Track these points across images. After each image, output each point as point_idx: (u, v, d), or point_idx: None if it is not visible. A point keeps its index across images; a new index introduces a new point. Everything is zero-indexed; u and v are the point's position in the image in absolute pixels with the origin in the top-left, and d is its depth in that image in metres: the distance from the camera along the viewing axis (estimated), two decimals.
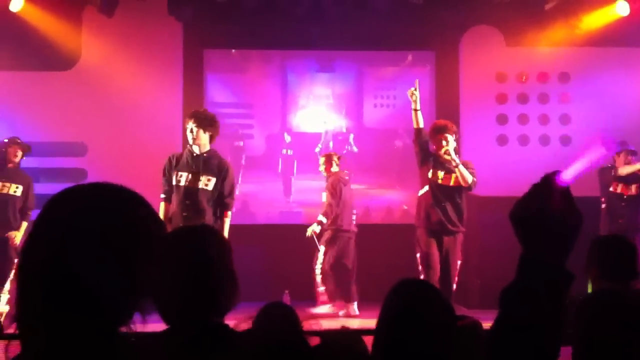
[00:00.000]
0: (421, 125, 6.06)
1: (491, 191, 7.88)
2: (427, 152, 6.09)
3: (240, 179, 8.33)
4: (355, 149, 8.51)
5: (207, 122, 5.43)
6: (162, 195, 5.43)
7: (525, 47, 8.22)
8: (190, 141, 5.41)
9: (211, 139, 5.48)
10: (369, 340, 2.24)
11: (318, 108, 8.69)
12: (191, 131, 5.38)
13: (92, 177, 7.83)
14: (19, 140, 6.82)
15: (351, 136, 8.65)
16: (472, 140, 8.13)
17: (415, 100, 6.01)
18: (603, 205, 6.97)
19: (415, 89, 6.00)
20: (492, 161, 8.03)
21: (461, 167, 5.93)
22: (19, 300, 1.05)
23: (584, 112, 8.09)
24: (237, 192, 5.84)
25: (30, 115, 7.80)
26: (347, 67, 8.77)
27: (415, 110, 6.02)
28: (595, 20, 7.91)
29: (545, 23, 7.95)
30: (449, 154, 5.90)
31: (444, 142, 5.94)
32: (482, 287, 7.73)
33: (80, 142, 7.94)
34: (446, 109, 7.89)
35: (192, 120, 5.41)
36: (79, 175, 7.83)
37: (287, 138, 8.61)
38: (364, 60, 8.71)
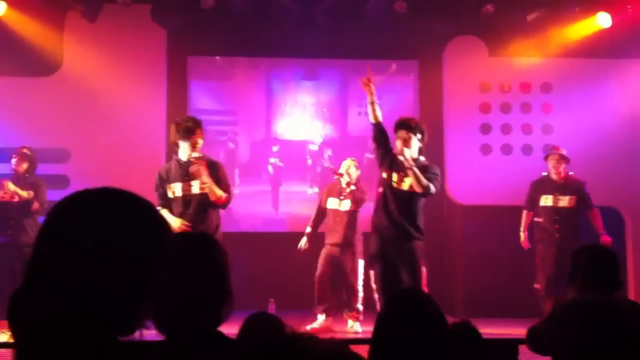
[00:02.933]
0: (380, 119, 5.46)
1: (474, 200, 7.93)
2: (386, 151, 5.50)
3: (238, 180, 8.35)
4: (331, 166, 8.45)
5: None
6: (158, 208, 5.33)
7: (508, 57, 8.29)
8: (198, 150, 5.36)
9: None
10: (357, 349, 2.22)
11: (303, 115, 8.69)
12: (198, 143, 5.37)
13: (75, 184, 7.76)
14: (24, 151, 6.85)
15: (328, 152, 8.59)
16: (456, 150, 8.17)
17: (370, 91, 5.38)
18: (525, 219, 6.79)
19: (370, 76, 5.38)
20: (475, 170, 8.07)
21: (415, 170, 5.25)
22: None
23: (566, 122, 8.17)
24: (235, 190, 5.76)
25: (11, 121, 7.71)
26: (331, 75, 8.80)
27: (372, 103, 5.41)
28: (577, 31, 8.00)
29: (528, 34, 8.02)
30: (402, 154, 5.29)
31: (397, 142, 5.40)
32: (466, 296, 7.76)
33: (63, 148, 7.86)
34: (430, 118, 7.92)
35: (200, 131, 5.39)
36: (61, 181, 7.74)
37: (275, 148, 8.59)
38: (349, 69, 8.73)
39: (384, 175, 5.45)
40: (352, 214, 6.69)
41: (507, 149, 8.30)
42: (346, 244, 6.64)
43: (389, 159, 5.46)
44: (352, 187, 6.73)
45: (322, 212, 6.81)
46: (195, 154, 5.35)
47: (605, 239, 6.49)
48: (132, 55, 7.95)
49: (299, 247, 6.63)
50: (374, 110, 5.41)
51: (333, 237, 6.66)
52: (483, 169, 8.14)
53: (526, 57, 8.25)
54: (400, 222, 5.37)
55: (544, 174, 6.89)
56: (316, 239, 6.76)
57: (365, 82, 5.39)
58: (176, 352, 1.00)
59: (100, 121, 7.79)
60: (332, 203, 6.71)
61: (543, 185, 6.79)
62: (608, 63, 8.23)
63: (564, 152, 6.77)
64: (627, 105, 8.15)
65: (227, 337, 1.02)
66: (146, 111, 7.95)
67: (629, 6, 7.77)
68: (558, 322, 1.73)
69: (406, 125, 5.44)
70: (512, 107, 8.35)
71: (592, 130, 7.91)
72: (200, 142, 5.37)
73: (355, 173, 6.74)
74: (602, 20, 7.78)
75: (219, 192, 5.28)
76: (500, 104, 8.35)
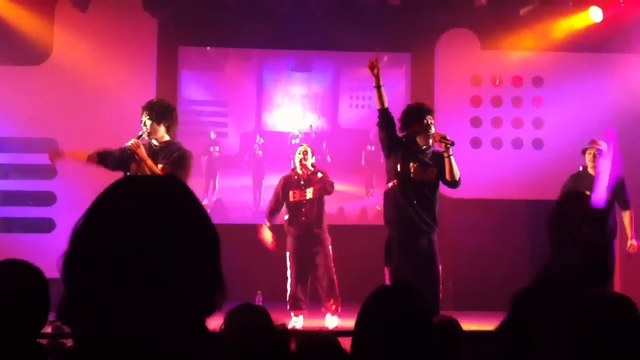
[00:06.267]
0: (386, 105, 5.24)
1: (464, 194, 7.92)
2: (394, 138, 5.28)
3: (217, 185, 8.32)
4: (328, 158, 8.41)
5: (161, 113, 5.08)
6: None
7: (500, 50, 8.29)
8: (145, 135, 5.05)
9: (168, 130, 5.14)
10: (344, 341, 2.21)
11: (294, 107, 8.65)
12: (144, 124, 5.06)
13: (63, 174, 7.70)
14: None
15: (323, 144, 8.57)
16: None
17: (377, 74, 5.17)
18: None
19: (377, 60, 5.19)
20: (465, 164, 8.03)
21: (453, 157, 5.22)
22: (67, 291, 1.01)
23: (556, 116, 8.18)
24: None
25: None
26: (323, 67, 8.76)
27: (378, 87, 5.19)
28: (569, 25, 8.01)
29: (520, 27, 8.03)
30: (446, 139, 5.17)
31: (432, 127, 5.25)
32: (456, 290, 7.77)
33: (51, 138, 7.78)
34: None
35: (145, 113, 5.07)
36: (49, 171, 7.69)
37: (259, 139, 8.54)
38: (340, 61, 8.71)
39: (398, 167, 5.22)
40: (317, 202, 6.57)
41: (497, 143, 8.31)
42: (312, 234, 6.53)
43: (398, 147, 5.27)
44: (320, 174, 6.62)
45: (279, 205, 6.64)
46: (165, 139, 5.13)
47: (633, 247, 6.37)
48: (123, 45, 7.88)
49: (266, 241, 6.50)
50: (380, 95, 5.21)
51: (297, 229, 6.54)
52: (473, 163, 8.13)
53: (518, 50, 8.26)
54: (422, 215, 5.20)
55: (582, 167, 6.51)
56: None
57: (371, 65, 5.20)
58: (156, 348, 0.98)
59: (89, 111, 7.72)
60: (292, 195, 6.55)
61: (582, 179, 6.35)
62: (600, 57, 8.24)
63: (603, 145, 6.41)
64: (619, 99, 8.16)
65: (209, 330, 1.00)
66: (136, 101, 7.83)
67: (621, 0, 7.79)
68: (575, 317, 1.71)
69: (432, 111, 5.40)
70: (503, 100, 8.36)
71: (583, 124, 7.92)
72: (147, 124, 5.06)
73: (311, 159, 6.61)
74: (594, 14, 7.80)
75: (156, 170, 4.92)
76: (491, 98, 8.36)
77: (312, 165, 6.64)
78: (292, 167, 6.83)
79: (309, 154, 6.61)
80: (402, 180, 5.23)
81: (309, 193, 6.52)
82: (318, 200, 6.60)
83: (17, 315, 2.05)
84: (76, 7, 7.64)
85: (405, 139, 5.35)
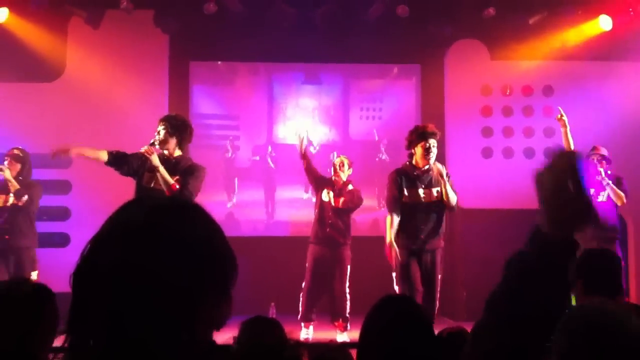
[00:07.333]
0: None
1: (476, 203, 7.92)
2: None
3: (236, 189, 8.38)
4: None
5: (176, 126, 5.14)
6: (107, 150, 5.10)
7: (509, 60, 8.29)
8: (157, 144, 5.08)
9: (180, 145, 5.18)
10: (355, 353, 2.23)
11: (304, 119, 8.69)
12: (158, 133, 5.11)
13: (77, 189, 7.78)
14: (15, 152, 6.52)
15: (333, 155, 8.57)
16: (457, 153, 8.17)
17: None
18: None
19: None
20: (476, 174, 8.07)
21: (448, 186, 5.56)
22: (77, 305, 1.02)
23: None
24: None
25: (14, 126, 7.73)
26: (333, 79, 8.80)
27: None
28: (578, 34, 8.01)
29: (530, 37, 8.03)
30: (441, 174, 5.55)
31: (433, 149, 5.57)
32: (468, 299, 7.75)
33: None
34: (431, 122, 7.90)
35: (162, 123, 5.14)
36: (63, 186, 7.76)
37: (271, 151, 8.58)
38: (350, 73, 8.75)
39: (406, 196, 5.60)
40: (345, 213, 6.58)
41: (508, 152, 8.29)
42: (335, 243, 6.51)
43: (399, 181, 5.63)
44: (350, 187, 6.64)
45: (314, 172, 6.66)
46: (177, 154, 5.17)
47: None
48: (135, 61, 7.97)
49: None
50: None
51: (321, 232, 6.51)
52: (484, 172, 8.14)
53: (528, 60, 8.25)
54: (430, 233, 5.62)
55: None
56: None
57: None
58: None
59: (102, 126, 7.80)
60: (325, 195, 6.55)
61: None
62: (610, 66, 8.22)
63: (604, 152, 6.52)
64: (629, 108, 8.14)
65: (219, 345, 1.01)
66: (148, 116, 7.94)
67: (630, 9, 7.78)
68: (564, 328, 1.71)
69: (435, 134, 5.67)
70: (514, 110, 8.36)
71: (593, 133, 7.90)
72: (161, 133, 5.12)
73: (347, 172, 6.63)
74: (604, 23, 7.79)
75: (168, 178, 4.94)
76: (501, 107, 8.36)
77: (347, 178, 6.64)
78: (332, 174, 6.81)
79: (345, 166, 6.65)
80: (412, 204, 5.58)
81: (340, 202, 6.53)
82: (345, 214, 6.61)
83: (15, 330, 2.08)
84: (89, 24, 7.75)
85: (403, 170, 5.69)
